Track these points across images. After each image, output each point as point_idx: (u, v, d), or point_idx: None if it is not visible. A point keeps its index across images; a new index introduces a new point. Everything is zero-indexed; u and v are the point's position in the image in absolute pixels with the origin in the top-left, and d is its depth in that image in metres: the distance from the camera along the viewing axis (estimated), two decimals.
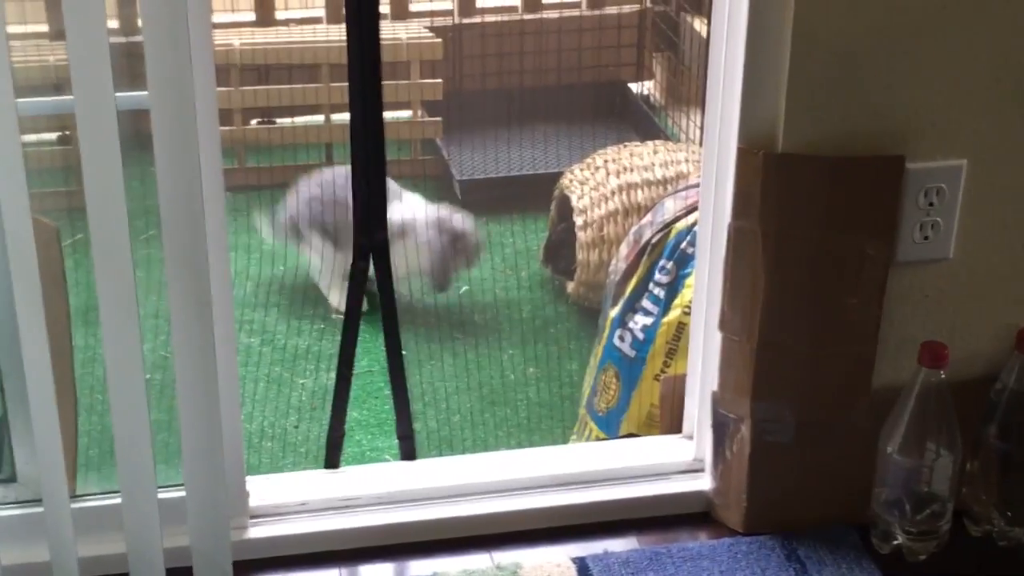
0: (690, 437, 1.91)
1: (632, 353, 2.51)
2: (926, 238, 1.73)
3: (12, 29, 1.46)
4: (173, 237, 1.55)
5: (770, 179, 1.65)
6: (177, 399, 1.62)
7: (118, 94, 1.47)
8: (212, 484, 1.64)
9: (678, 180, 3.43)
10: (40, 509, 1.65)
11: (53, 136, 3.73)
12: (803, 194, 1.66)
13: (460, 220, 3.60)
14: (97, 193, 1.51)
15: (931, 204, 1.71)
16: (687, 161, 3.59)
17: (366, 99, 1.86)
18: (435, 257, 3.54)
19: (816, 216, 1.67)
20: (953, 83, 1.66)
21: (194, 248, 1.55)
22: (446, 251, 3.55)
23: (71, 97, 1.46)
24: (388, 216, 3.47)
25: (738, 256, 1.71)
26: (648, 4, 4.51)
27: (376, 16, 1.83)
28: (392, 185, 3.61)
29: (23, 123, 1.49)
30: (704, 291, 1.81)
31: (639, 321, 2.50)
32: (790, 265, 1.69)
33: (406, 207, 3.61)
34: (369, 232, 1.92)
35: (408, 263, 3.52)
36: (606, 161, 3.62)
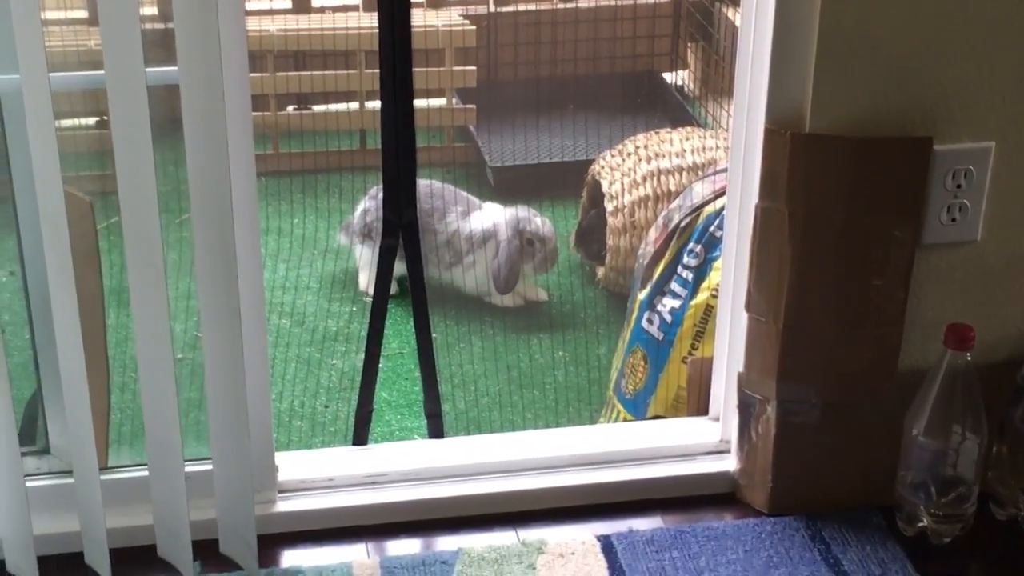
0: (716, 419, 1.92)
1: (660, 335, 2.51)
2: (953, 220, 1.73)
3: (52, 15, 1.49)
4: (201, 215, 1.57)
5: (797, 159, 1.66)
6: (205, 376, 1.64)
7: (149, 69, 1.49)
8: (239, 459, 1.67)
9: (709, 166, 3.43)
10: (72, 480, 1.68)
11: (91, 121, 3.76)
12: (830, 175, 1.67)
13: (539, 224, 3.55)
14: (128, 167, 1.53)
15: (959, 186, 1.71)
16: (718, 148, 3.59)
17: (397, 84, 1.88)
18: (502, 259, 3.49)
19: (843, 197, 1.67)
20: (982, 65, 1.66)
21: (221, 226, 1.56)
22: (514, 254, 3.50)
23: (102, 72, 1.48)
24: (470, 227, 3.46)
25: (765, 237, 1.72)
26: None
27: (408, 3, 1.85)
28: (472, 199, 3.61)
29: (62, 106, 1.50)
30: (731, 272, 1.82)
31: (667, 304, 2.51)
32: (817, 246, 1.70)
33: (486, 216, 3.58)
34: (398, 210, 1.93)
35: (487, 268, 3.51)
36: (637, 147, 3.62)
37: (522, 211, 3.57)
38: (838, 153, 1.65)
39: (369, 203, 3.55)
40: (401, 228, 1.94)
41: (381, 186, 1.93)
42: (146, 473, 1.71)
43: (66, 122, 3.29)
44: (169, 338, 1.60)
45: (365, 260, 3.51)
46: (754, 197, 1.72)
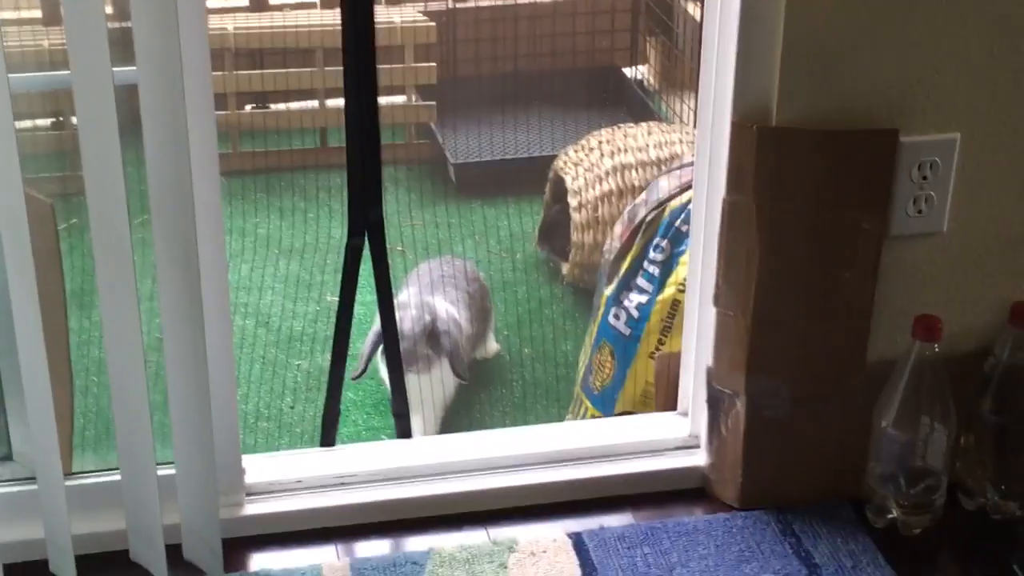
0: (685, 414, 1.91)
1: (627, 331, 2.51)
2: (920, 212, 1.73)
3: (6, 15, 1.47)
4: (162, 215, 1.55)
5: (764, 153, 1.66)
6: (167, 380, 1.62)
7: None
8: (202, 463, 1.65)
9: (672, 161, 3.43)
10: (36, 487, 1.66)
11: (47, 122, 3.73)
12: (797, 168, 1.67)
13: (441, 311, 3.04)
14: (95, 168, 1.51)
15: (924, 178, 1.71)
16: (681, 142, 3.59)
17: (360, 80, 1.86)
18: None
19: (810, 190, 1.67)
20: (947, 56, 1.66)
21: (183, 226, 1.55)
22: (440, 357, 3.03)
23: (67, 72, 1.47)
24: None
25: (732, 231, 1.72)
26: None
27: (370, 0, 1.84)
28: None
29: (18, 106, 1.49)
30: (698, 266, 1.81)
31: (634, 299, 2.51)
32: (784, 239, 1.70)
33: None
34: (364, 209, 1.92)
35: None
36: (600, 142, 3.62)
37: (415, 306, 3.04)
38: (805, 146, 1.65)
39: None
40: (367, 227, 1.93)
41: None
42: (112, 478, 1.69)
43: (22, 123, 3.26)
44: (140, 339, 1.58)
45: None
46: (721, 191, 1.72)
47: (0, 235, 1.52)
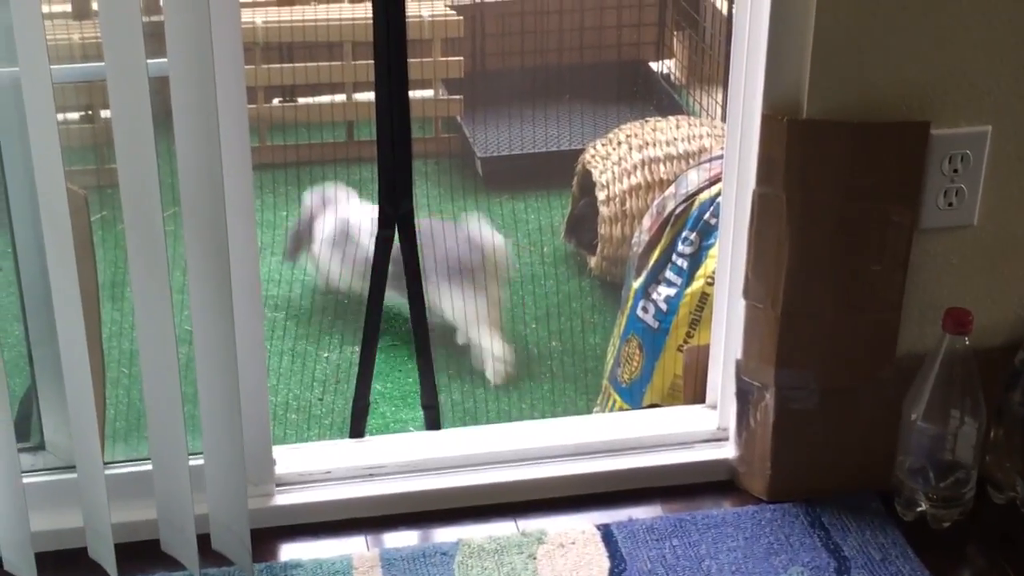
0: (714, 407, 1.92)
1: (655, 324, 2.50)
2: (950, 205, 1.73)
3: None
4: (192, 208, 1.56)
5: (794, 145, 1.65)
6: (197, 371, 1.63)
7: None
8: (231, 454, 1.65)
9: (700, 155, 3.42)
10: (70, 476, 1.68)
11: (76, 115, 3.74)
12: (828, 160, 1.66)
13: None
14: (128, 160, 1.52)
15: (955, 171, 1.71)
16: (709, 136, 3.58)
17: (392, 73, 1.87)
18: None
19: (841, 182, 1.67)
20: (978, 49, 1.65)
21: (213, 219, 1.55)
22: None
23: (101, 64, 1.48)
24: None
25: (762, 223, 1.71)
26: None
27: None
28: None
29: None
30: (728, 259, 1.81)
31: (662, 292, 2.50)
32: (814, 232, 1.69)
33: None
34: (394, 201, 1.93)
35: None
36: (628, 136, 3.61)
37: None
38: (835, 139, 1.65)
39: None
40: (397, 219, 1.93)
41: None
42: (145, 468, 1.70)
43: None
44: (172, 331, 1.58)
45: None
46: (751, 183, 1.72)
47: (34, 227, 1.53)
